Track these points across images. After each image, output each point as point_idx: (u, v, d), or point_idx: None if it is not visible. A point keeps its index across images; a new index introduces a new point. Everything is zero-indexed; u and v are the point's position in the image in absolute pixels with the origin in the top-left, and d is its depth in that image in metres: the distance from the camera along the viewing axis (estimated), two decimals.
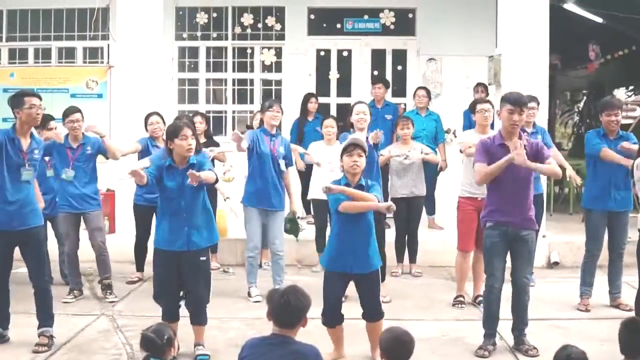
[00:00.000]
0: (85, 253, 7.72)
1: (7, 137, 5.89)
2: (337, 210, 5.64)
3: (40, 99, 6.01)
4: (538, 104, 7.87)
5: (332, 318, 5.75)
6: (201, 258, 5.83)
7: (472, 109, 7.88)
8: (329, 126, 8.41)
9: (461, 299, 7.43)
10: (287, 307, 3.86)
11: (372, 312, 5.77)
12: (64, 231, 7.67)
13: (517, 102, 5.88)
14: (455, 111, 10.65)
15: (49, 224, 7.99)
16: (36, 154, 6.04)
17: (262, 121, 7.87)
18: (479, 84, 10.48)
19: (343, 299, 5.93)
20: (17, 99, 5.93)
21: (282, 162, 7.55)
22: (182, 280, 5.85)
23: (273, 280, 7.59)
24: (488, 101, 7.71)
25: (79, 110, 7.58)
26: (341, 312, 5.78)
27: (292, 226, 7.80)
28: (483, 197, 6.66)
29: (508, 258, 6.12)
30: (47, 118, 7.87)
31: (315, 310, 6.45)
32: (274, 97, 11.88)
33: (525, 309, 6.08)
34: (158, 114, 8.31)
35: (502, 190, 5.94)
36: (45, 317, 6.14)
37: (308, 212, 10.40)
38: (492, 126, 7.51)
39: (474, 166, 6.07)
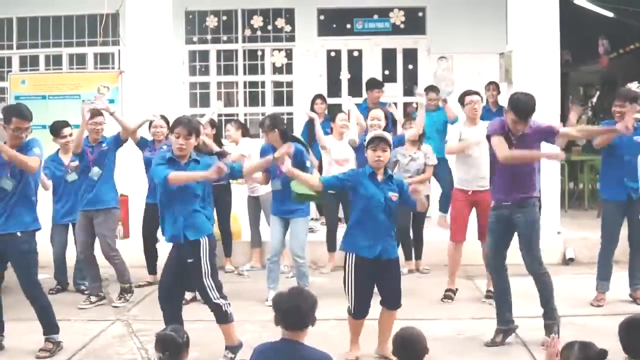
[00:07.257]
0: (99, 257, 7.67)
1: None
2: (357, 198, 5.69)
3: (30, 120, 5.88)
4: None
5: (362, 309, 5.72)
6: (188, 260, 5.65)
7: (460, 101, 7.54)
8: (344, 119, 8.41)
9: (450, 293, 7.48)
10: (296, 311, 3.79)
11: (394, 298, 5.77)
12: (75, 233, 7.66)
13: (522, 114, 5.73)
14: None
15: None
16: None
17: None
18: (490, 83, 10.40)
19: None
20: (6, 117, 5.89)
21: None
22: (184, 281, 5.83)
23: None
24: (477, 92, 7.52)
25: (101, 114, 7.60)
26: (370, 303, 5.76)
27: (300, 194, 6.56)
28: (474, 191, 7.24)
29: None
30: (63, 124, 7.89)
31: (329, 312, 6.50)
32: (285, 99, 11.91)
33: (544, 295, 6.02)
34: (162, 117, 8.12)
35: (501, 175, 6.00)
36: (48, 328, 6.10)
37: (322, 213, 10.38)
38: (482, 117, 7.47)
39: (495, 141, 5.84)
